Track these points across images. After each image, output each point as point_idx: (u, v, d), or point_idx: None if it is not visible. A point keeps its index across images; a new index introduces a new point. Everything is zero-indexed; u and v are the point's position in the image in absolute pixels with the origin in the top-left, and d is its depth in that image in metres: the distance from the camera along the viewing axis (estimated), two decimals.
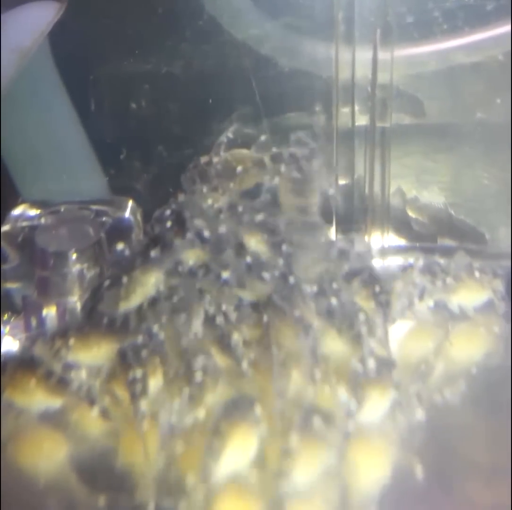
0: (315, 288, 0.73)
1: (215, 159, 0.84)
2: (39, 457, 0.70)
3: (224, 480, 0.62)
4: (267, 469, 0.63)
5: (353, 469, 0.64)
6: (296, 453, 0.62)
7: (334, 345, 0.70)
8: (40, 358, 0.74)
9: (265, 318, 0.70)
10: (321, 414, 0.64)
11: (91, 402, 0.71)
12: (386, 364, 0.70)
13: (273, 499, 0.61)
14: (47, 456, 0.70)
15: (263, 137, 0.93)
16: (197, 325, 0.70)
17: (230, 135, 0.96)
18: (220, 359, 0.69)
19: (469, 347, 0.80)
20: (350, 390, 0.67)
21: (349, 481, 0.63)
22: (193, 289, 0.72)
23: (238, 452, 0.63)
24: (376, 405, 0.68)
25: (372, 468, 0.65)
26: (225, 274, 0.73)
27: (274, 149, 0.86)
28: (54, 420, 0.72)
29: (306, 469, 0.62)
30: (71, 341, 0.73)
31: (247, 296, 0.73)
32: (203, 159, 0.84)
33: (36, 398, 0.72)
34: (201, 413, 0.66)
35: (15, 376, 0.72)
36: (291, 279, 0.73)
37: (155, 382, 0.70)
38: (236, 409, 0.65)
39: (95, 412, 0.71)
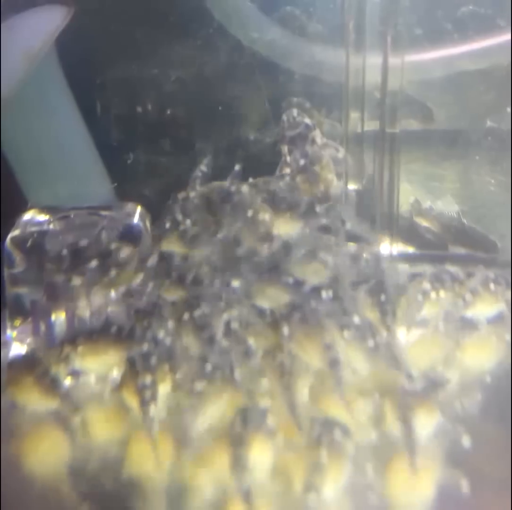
0: (330, 294, 0.73)
1: (192, 194, 0.84)
2: (38, 455, 0.69)
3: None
4: (282, 479, 0.63)
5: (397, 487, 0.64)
6: (322, 467, 0.61)
7: (355, 359, 0.70)
8: (40, 358, 0.74)
9: (285, 329, 0.69)
10: (341, 428, 0.64)
11: (75, 411, 0.71)
12: (433, 383, 0.70)
13: None
14: (46, 455, 0.70)
15: (237, 166, 0.93)
16: (219, 335, 0.70)
17: (203, 168, 0.96)
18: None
19: (481, 356, 0.79)
20: (399, 409, 0.67)
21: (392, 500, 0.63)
22: (215, 300, 0.72)
23: (256, 461, 0.63)
24: (424, 424, 0.68)
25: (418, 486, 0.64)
26: (235, 283, 0.73)
27: (251, 179, 0.86)
28: (57, 420, 0.72)
29: (331, 483, 0.62)
30: (79, 348, 0.73)
31: (263, 303, 0.73)
32: (181, 195, 0.84)
33: (32, 397, 0.72)
34: (207, 422, 0.65)
35: (17, 373, 0.73)
36: (306, 287, 0.73)
37: (164, 389, 0.70)
38: (251, 419, 0.64)
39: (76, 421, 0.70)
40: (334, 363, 0.68)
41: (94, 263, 0.78)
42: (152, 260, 0.76)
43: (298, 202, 0.79)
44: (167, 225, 0.79)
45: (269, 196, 0.80)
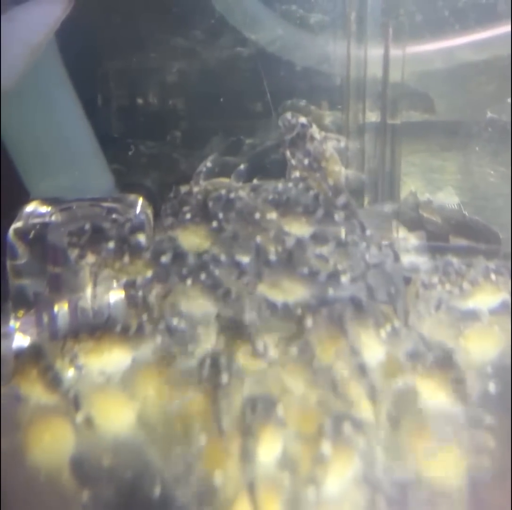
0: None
1: (195, 189, 0.83)
2: (43, 446, 0.70)
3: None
4: (292, 470, 0.63)
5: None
6: (328, 460, 0.61)
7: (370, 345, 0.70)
8: (45, 351, 0.74)
9: (308, 323, 0.68)
10: (352, 421, 0.64)
11: (77, 407, 0.71)
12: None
13: (299, 503, 0.61)
14: (51, 447, 0.70)
15: (242, 166, 0.93)
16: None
17: (209, 164, 0.96)
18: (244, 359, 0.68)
19: (483, 347, 0.80)
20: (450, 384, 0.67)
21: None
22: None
23: (266, 452, 0.63)
24: None
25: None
26: (245, 259, 0.73)
27: (255, 180, 0.86)
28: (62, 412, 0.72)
29: (337, 477, 0.62)
30: (82, 346, 0.73)
31: (277, 297, 0.72)
32: (183, 189, 0.83)
33: (36, 390, 0.72)
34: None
35: (23, 364, 0.73)
36: (322, 276, 0.72)
37: None
38: (260, 409, 0.64)
39: (79, 418, 0.70)
40: (361, 369, 0.67)
41: (111, 244, 0.77)
42: (167, 257, 0.75)
43: (315, 208, 0.78)
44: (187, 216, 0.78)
45: (280, 199, 0.79)
